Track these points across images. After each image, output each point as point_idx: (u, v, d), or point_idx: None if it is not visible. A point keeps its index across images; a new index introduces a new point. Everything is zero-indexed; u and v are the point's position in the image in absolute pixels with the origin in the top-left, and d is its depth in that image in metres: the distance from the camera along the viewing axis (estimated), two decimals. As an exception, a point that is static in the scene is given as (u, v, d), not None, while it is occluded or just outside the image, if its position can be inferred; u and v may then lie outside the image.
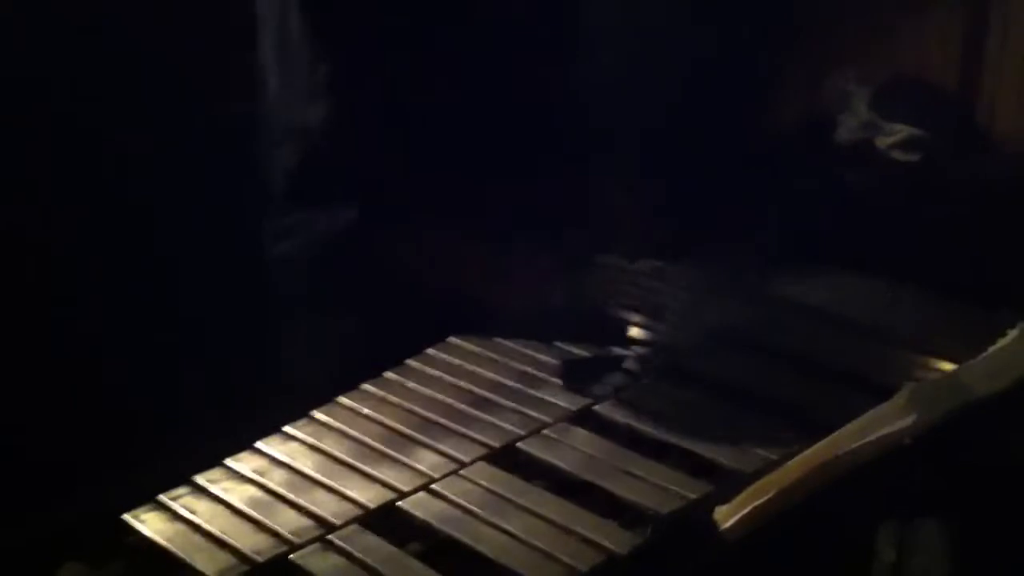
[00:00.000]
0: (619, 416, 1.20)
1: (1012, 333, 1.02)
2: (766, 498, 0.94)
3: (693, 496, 1.04)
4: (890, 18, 2.83)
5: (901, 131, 2.93)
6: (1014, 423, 1.09)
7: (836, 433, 0.97)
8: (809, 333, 1.33)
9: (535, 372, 1.27)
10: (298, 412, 1.20)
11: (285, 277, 1.47)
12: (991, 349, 1.02)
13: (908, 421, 0.91)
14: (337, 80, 1.38)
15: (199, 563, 0.98)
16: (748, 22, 2.76)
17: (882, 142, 2.96)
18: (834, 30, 2.90)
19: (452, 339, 1.35)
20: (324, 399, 1.22)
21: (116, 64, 1.97)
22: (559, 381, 1.25)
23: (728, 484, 1.03)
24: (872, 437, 0.92)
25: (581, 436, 1.16)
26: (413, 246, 1.40)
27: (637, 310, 1.41)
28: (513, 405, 1.21)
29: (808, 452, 0.96)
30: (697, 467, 1.10)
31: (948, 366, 1.14)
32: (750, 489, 0.97)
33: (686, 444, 1.13)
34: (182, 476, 1.09)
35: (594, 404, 1.22)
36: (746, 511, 0.95)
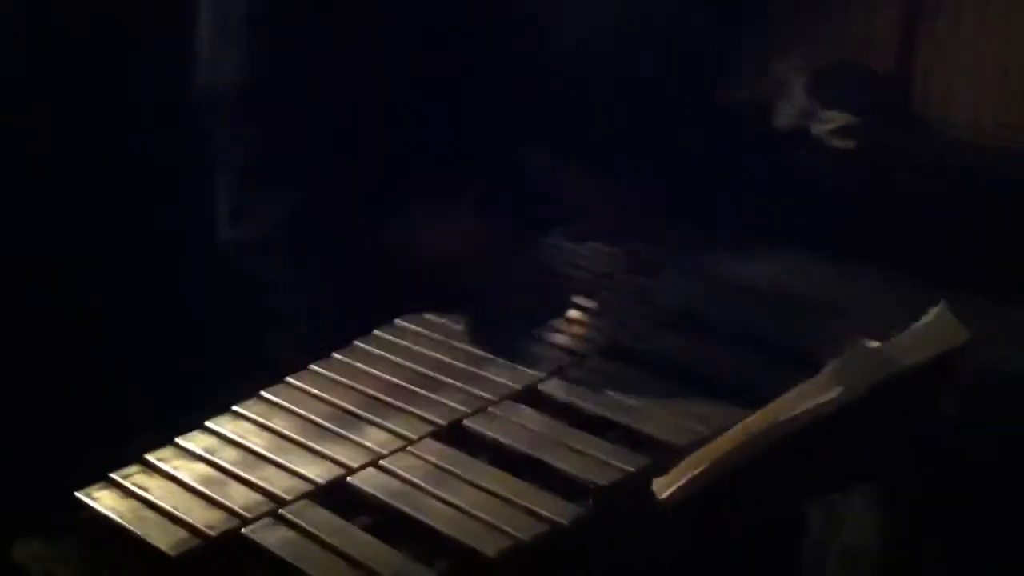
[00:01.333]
0: (562, 394, 1.24)
1: (933, 310, 1.07)
2: (700, 469, 0.99)
3: (631, 468, 1.08)
4: (831, 6, 2.91)
5: (837, 118, 3.01)
6: (940, 396, 1.15)
7: (766, 407, 1.01)
8: (748, 311, 1.38)
9: (480, 352, 1.31)
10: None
11: (245, 259, 1.49)
12: (914, 325, 1.07)
13: (835, 393, 0.96)
14: (293, 60, 1.39)
15: (153, 538, 1.00)
16: (698, 11, 2.82)
17: (818, 129, 3.04)
18: (778, 18, 2.97)
19: (399, 321, 1.38)
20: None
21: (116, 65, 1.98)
22: (504, 360, 1.29)
23: (665, 457, 1.07)
24: (801, 409, 0.97)
25: (525, 413, 1.20)
26: (371, 226, 1.42)
27: (581, 290, 1.45)
28: (459, 384, 1.25)
29: (739, 425, 1.01)
30: (637, 442, 1.14)
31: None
32: (686, 460, 1.01)
33: (626, 420, 1.17)
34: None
35: (538, 382, 1.25)
36: (682, 482, 0.99)
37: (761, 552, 1.30)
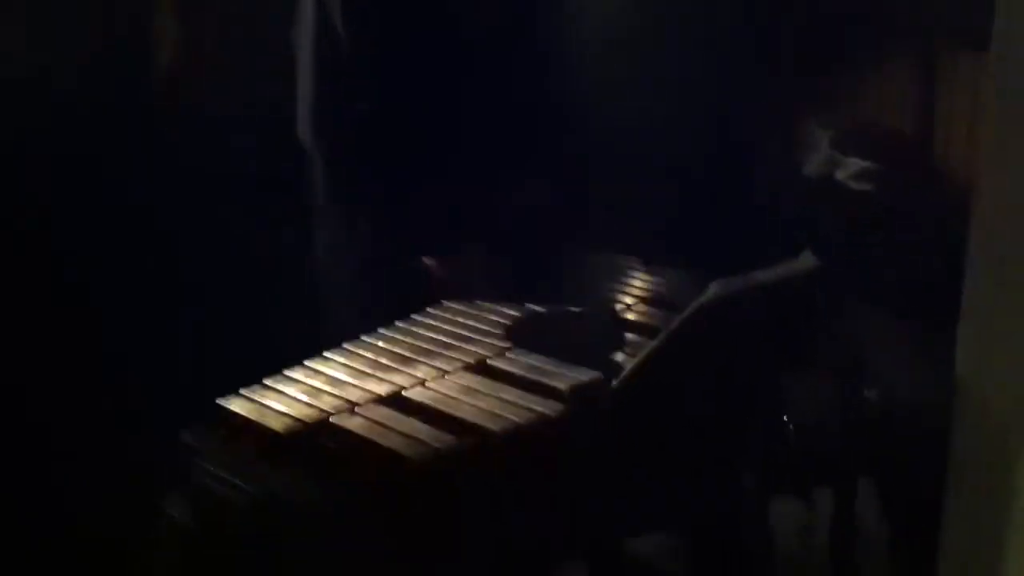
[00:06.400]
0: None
1: (803, 255, 1.52)
2: (638, 361, 1.45)
3: (591, 377, 1.56)
4: (857, 77, 3.32)
5: (855, 164, 3.43)
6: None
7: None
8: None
9: (508, 321, 1.79)
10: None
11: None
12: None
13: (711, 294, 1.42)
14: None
15: (271, 424, 1.50)
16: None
17: (841, 175, 3.46)
18: (811, 85, 3.39)
19: (447, 303, 1.87)
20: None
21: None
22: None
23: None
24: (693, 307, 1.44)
25: (533, 356, 1.68)
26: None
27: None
28: (486, 340, 1.73)
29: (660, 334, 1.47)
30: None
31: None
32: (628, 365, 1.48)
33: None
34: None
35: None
36: (626, 374, 1.46)
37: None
